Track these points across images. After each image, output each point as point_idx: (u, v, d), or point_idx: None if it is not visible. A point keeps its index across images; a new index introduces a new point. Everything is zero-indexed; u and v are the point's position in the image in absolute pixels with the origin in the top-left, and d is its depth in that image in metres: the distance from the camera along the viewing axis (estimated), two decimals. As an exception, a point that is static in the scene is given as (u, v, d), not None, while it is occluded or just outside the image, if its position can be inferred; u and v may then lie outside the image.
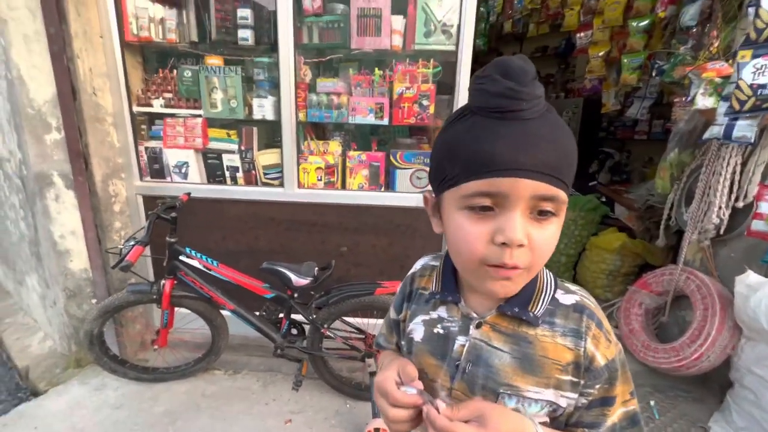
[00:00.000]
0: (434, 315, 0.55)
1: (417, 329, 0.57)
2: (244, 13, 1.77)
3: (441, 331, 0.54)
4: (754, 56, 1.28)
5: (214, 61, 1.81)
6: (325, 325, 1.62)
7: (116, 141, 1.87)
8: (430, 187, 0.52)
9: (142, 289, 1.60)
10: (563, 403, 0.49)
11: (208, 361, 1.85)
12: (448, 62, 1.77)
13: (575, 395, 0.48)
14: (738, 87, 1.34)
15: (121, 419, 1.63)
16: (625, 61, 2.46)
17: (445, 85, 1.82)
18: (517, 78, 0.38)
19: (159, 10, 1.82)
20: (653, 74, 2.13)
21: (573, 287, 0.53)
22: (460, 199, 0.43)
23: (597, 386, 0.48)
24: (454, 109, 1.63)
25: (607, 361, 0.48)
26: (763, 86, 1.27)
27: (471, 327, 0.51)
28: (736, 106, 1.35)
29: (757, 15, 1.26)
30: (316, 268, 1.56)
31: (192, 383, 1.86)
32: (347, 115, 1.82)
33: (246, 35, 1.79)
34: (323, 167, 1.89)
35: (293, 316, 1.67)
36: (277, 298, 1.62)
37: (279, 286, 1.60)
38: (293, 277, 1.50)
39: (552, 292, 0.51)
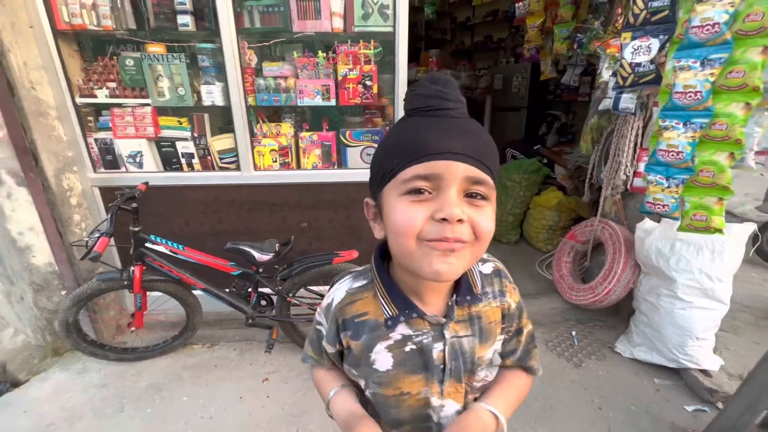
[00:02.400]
0: (397, 336, 0.56)
1: (381, 358, 0.56)
2: (182, -1, 1.76)
3: (414, 347, 0.55)
4: (633, 38, 1.49)
5: (155, 48, 1.81)
6: (291, 294, 1.80)
7: (63, 134, 1.86)
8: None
9: (112, 276, 1.69)
10: (499, 346, 0.62)
11: (185, 337, 2.00)
12: (387, 42, 1.88)
13: (504, 336, 0.63)
14: (621, 65, 1.56)
15: (108, 396, 1.77)
16: (557, 31, 2.64)
17: (387, 65, 1.93)
18: (444, 85, 0.47)
19: (89, -5, 1.77)
20: (575, 46, 2.33)
21: (484, 256, 0.61)
22: (400, 186, 0.46)
23: (514, 323, 0.63)
24: (396, 87, 1.76)
25: (516, 303, 0.63)
26: (639, 65, 1.50)
27: (445, 332, 0.55)
28: (620, 82, 1.58)
29: (634, 2, 1.46)
30: (277, 245, 1.72)
31: (172, 358, 2.01)
32: (295, 98, 1.90)
33: (186, 21, 1.79)
34: (277, 149, 1.99)
35: (260, 289, 1.83)
36: (244, 274, 1.77)
37: (244, 263, 1.74)
38: (256, 254, 1.65)
39: (477, 269, 0.60)
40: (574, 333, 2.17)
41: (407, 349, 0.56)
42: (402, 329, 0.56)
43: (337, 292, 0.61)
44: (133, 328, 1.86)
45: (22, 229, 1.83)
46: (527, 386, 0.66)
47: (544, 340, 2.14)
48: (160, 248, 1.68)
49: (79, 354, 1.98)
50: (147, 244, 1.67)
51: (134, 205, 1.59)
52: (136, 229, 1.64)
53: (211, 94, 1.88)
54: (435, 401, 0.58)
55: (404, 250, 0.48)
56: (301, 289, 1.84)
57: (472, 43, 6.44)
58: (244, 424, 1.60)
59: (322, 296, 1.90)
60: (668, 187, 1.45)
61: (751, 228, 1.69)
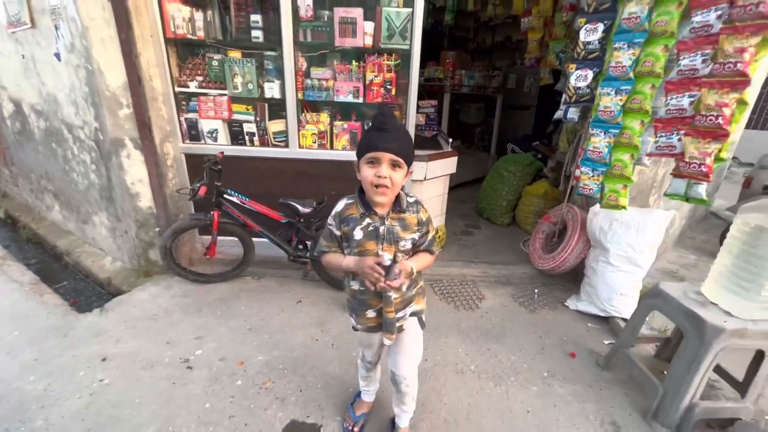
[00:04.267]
0: (364, 223, 1.14)
1: (357, 233, 1.15)
2: (256, 18, 2.41)
3: (371, 228, 1.14)
4: (576, 68, 2.02)
5: (234, 54, 2.47)
6: (322, 240, 2.47)
7: (165, 114, 2.57)
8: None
9: (200, 217, 2.40)
10: (416, 237, 1.21)
11: (241, 268, 2.71)
12: (405, 56, 2.47)
13: (418, 234, 1.21)
14: (567, 86, 2.09)
15: (189, 303, 2.51)
16: (551, 45, 3.14)
17: (404, 73, 2.52)
18: (384, 116, 1.07)
19: (188, 12, 2.43)
20: (557, 62, 2.83)
21: (411, 194, 1.23)
22: (364, 160, 1.07)
23: (423, 228, 1.22)
24: (409, 90, 2.38)
25: (426, 218, 1.23)
26: (579, 88, 2.03)
27: (385, 221, 1.14)
28: (567, 99, 2.12)
29: (577, 42, 1.99)
30: (315, 202, 2.38)
31: (231, 284, 2.73)
32: (333, 95, 2.53)
33: (258, 35, 2.44)
34: (317, 133, 2.64)
35: (300, 236, 2.51)
36: (289, 223, 2.45)
37: (290, 214, 2.42)
38: (300, 207, 2.32)
39: (405, 199, 1.19)
40: (536, 291, 2.77)
41: (369, 228, 1.15)
42: (367, 221, 1.15)
43: (339, 206, 1.22)
44: (207, 256, 2.57)
45: (134, 180, 2.55)
46: (430, 260, 1.25)
47: (512, 295, 2.74)
48: (234, 198, 2.37)
49: (164, 276, 2.73)
50: (225, 195, 2.36)
51: (219, 167, 2.28)
52: (219, 183, 2.33)
53: (272, 90, 2.53)
54: (380, 252, 1.16)
55: (366, 188, 1.11)
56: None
57: (492, 42, 6.85)
58: (285, 325, 2.30)
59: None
60: (593, 176, 2.02)
61: (669, 215, 2.23)
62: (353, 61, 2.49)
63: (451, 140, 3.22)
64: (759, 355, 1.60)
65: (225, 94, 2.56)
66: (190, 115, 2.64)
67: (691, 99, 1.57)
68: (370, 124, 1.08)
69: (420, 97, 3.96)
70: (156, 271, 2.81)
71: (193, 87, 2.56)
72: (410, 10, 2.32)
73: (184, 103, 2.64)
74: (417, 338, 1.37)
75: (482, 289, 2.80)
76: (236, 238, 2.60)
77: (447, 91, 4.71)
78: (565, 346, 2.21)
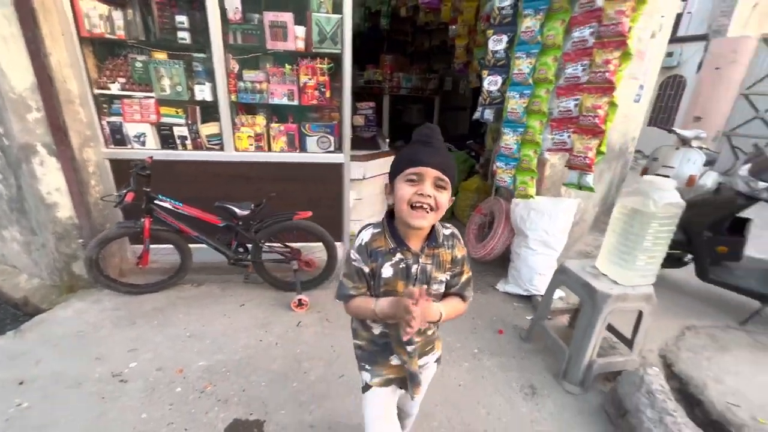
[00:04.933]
0: (395, 259, 0.95)
1: (386, 270, 0.95)
2: (182, 19, 2.36)
3: (403, 266, 0.96)
4: (488, 74, 2.27)
5: (160, 55, 2.39)
6: (262, 241, 2.48)
7: (83, 117, 2.41)
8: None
9: (129, 225, 2.30)
10: (447, 277, 1.02)
11: (179, 276, 2.63)
12: (337, 60, 2.56)
13: (450, 273, 1.02)
14: (482, 90, 2.34)
15: (121, 316, 2.38)
16: (475, 52, 3.41)
17: (338, 76, 2.61)
18: (431, 130, 0.92)
19: (105, 10, 2.31)
20: (479, 68, 3.11)
21: (447, 225, 1.04)
22: (403, 177, 0.89)
23: (458, 267, 1.03)
24: (343, 93, 2.46)
25: (462, 255, 1.03)
26: (491, 91, 2.29)
27: (420, 259, 0.96)
28: (483, 101, 2.37)
29: (487, 51, 2.24)
30: (253, 205, 2.39)
31: (168, 293, 2.63)
32: (267, 98, 2.55)
33: (184, 36, 2.39)
34: (253, 135, 2.63)
35: (239, 239, 2.49)
36: (227, 227, 2.43)
37: (228, 218, 2.40)
38: (237, 210, 2.32)
39: (442, 230, 1.01)
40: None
41: (400, 266, 0.96)
42: (398, 256, 0.96)
43: (364, 236, 0.99)
44: (140, 266, 2.46)
45: (51, 190, 2.37)
46: (462, 306, 1.07)
47: (450, 282, 2.95)
48: (165, 204, 2.30)
49: (91, 291, 2.56)
50: (155, 201, 2.28)
51: (148, 172, 2.20)
52: (148, 189, 2.25)
53: (203, 92, 2.49)
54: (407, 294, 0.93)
55: (401, 209, 0.90)
56: (275, 241, 2.52)
57: (430, 46, 7.18)
58: (228, 329, 2.29)
59: (286, 246, 2.60)
60: (507, 170, 2.27)
61: (575, 203, 2.55)
62: (286, 64, 2.53)
63: (388, 140, 3.37)
64: (639, 315, 1.92)
65: (152, 97, 2.47)
66: (114, 119, 2.50)
67: (576, 102, 1.86)
68: (413, 138, 0.94)
69: (360, 99, 4.09)
70: (81, 286, 2.63)
71: (115, 89, 2.44)
72: (340, 16, 2.41)
73: (105, 106, 2.50)
74: (427, 384, 1.24)
75: (422, 279, 2.98)
76: (171, 246, 2.51)
77: (386, 93, 4.88)
78: (494, 325, 2.44)
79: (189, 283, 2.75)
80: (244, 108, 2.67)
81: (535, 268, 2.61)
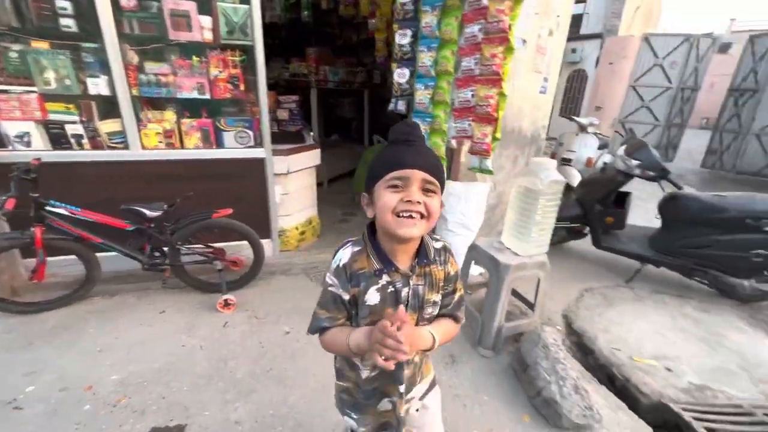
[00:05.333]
0: (382, 282, 0.81)
1: (371, 297, 0.81)
2: (64, 4, 2.12)
3: (392, 289, 0.82)
4: (398, 67, 2.40)
5: (40, 44, 2.14)
6: (179, 243, 2.36)
7: (-55, 116, 2.08)
8: (368, 192, 0.82)
9: (14, 236, 2.04)
10: (441, 296, 0.89)
11: (86, 289, 2.40)
12: (250, 52, 2.49)
13: (443, 292, 0.90)
14: (393, 83, 2.47)
15: (16, 337, 2.12)
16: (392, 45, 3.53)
17: (252, 69, 2.55)
18: (411, 127, 0.79)
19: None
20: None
21: (437, 237, 0.92)
22: (384, 183, 0.75)
23: (450, 285, 0.91)
24: (258, 86, 2.41)
25: (455, 272, 0.91)
26: (401, 84, 2.43)
27: (411, 281, 0.83)
28: (395, 93, 2.50)
29: (395, 45, 2.37)
30: (165, 205, 2.26)
31: (74, 308, 2.39)
32: (175, 92, 2.41)
33: (69, 23, 2.16)
34: (162, 132, 2.48)
35: (154, 243, 2.35)
36: (138, 230, 2.27)
37: (138, 221, 2.24)
38: (147, 212, 2.17)
39: (431, 245, 0.88)
40: (400, 263, 3.15)
41: (388, 290, 0.83)
42: (385, 278, 0.82)
43: (343, 255, 0.85)
44: (35, 281, 2.21)
45: None
46: (455, 329, 0.95)
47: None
48: (60, 210, 2.08)
49: (-24, 313, 2.24)
50: (47, 207, 2.06)
51: (33, 175, 1.97)
52: (36, 194, 2.01)
53: (97, 86, 2.28)
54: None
55: (386, 219, 0.76)
56: (197, 242, 2.41)
57: (358, 39, 7.21)
58: (146, 338, 2.15)
59: (208, 246, 2.51)
60: None
61: (487, 187, 2.79)
62: (194, 56, 2.41)
63: (312, 133, 3.36)
64: (538, 281, 2.18)
65: (34, 91, 2.20)
66: (-13, 117, 2.19)
67: (472, 92, 2.04)
68: (390, 138, 0.80)
69: (289, 92, 4.00)
70: (-38, 310, 2.29)
71: (-16, 83, 2.13)
72: (248, 6, 2.35)
73: (-26, 102, 2.18)
74: (439, 411, 1.10)
75: (354, 269, 3.05)
76: (74, 256, 2.29)
77: (313, 87, 4.84)
78: (420, 305, 2.59)
79: (100, 294, 2.53)
80: (149, 103, 2.49)
81: (456, 249, 2.79)
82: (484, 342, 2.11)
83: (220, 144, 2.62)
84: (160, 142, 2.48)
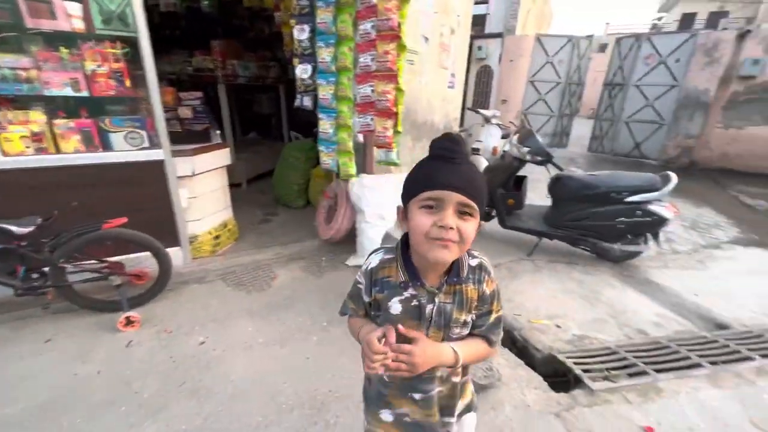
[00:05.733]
0: (407, 295, 0.81)
1: (394, 306, 0.82)
2: None
3: (415, 303, 0.81)
4: (299, 63, 2.41)
5: None
6: (63, 261, 2.08)
7: None
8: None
9: None
10: (473, 318, 0.85)
11: (-62, 326, 2.00)
12: (134, 45, 2.27)
13: (477, 312, 0.85)
14: (297, 79, 2.49)
15: None
16: (302, 41, 3.49)
17: (139, 63, 2.32)
18: (452, 142, 0.73)
19: None
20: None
21: (475, 253, 0.85)
22: (418, 202, 0.72)
23: (485, 306, 0.85)
24: (148, 82, 2.20)
25: (491, 292, 0.84)
26: (304, 79, 2.45)
27: (436, 298, 0.80)
28: (299, 89, 2.52)
29: (294, 40, 2.37)
30: (39, 219, 1.97)
31: (-77, 352, 1.99)
32: (41, 89, 2.10)
33: None
34: (29, 135, 2.15)
35: (29, 263, 2.04)
36: (5, 250, 1.95)
37: (4, 239, 1.92)
38: (14, 229, 1.88)
39: (467, 261, 0.82)
40: (323, 258, 3.16)
41: (412, 303, 0.82)
42: (410, 291, 0.81)
43: (372, 260, 0.88)
44: None
45: None
46: (486, 351, 0.89)
47: (303, 267, 3.04)
48: None
49: None
50: None
51: None
52: None
53: (-70, 82, 1.89)
54: None
55: (418, 241, 0.75)
56: (79, 259, 2.14)
57: (270, 32, 6.93)
58: (27, 373, 1.87)
59: (101, 260, 2.25)
60: (328, 153, 2.46)
61: (399, 179, 2.92)
62: (62, 47, 2.12)
63: (219, 132, 3.19)
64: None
65: None
66: None
67: (371, 88, 2.13)
68: (430, 152, 0.76)
69: (193, 88, 3.71)
70: None
71: None
72: (126, -7, 2.13)
73: None
74: None
75: (276, 269, 2.99)
76: None
77: (221, 82, 4.56)
78: (344, 296, 2.64)
79: (-40, 331, 2.13)
80: (8, 102, 2.14)
81: (375, 239, 2.90)
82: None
83: (107, 146, 2.36)
84: (27, 147, 2.15)
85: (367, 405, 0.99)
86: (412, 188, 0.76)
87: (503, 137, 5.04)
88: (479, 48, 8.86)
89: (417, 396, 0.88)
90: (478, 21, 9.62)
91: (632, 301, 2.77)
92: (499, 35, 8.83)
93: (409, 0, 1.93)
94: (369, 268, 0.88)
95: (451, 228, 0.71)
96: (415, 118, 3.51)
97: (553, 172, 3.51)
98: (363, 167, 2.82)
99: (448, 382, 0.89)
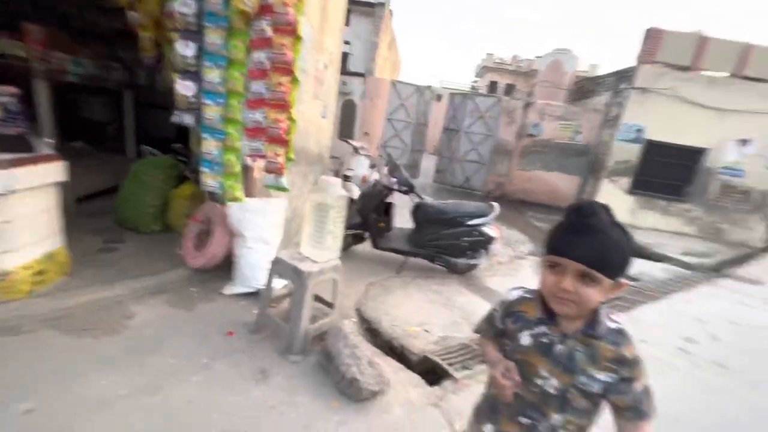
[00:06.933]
0: (538, 331, 0.91)
1: (524, 338, 0.92)
2: None
3: (545, 341, 0.90)
4: (182, 79, 2.29)
5: None
6: None
7: None
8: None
9: None
10: (609, 378, 0.84)
11: None
12: None
13: (613, 377, 0.84)
14: (177, 94, 2.35)
15: None
16: (166, 48, 3.18)
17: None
18: (585, 213, 0.79)
19: None
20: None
21: (616, 319, 0.89)
22: (546, 260, 0.85)
23: (624, 368, 0.84)
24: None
25: (633, 357, 0.84)
26: (188, 96, 2.34)
27: (567, 340, 0.87)
28: (179, 106, 2.37)
29: (176, 54, 2.26)
30: None
31: None
32: None
33: None
34: None
35: None
36: None
37: None
38: None
39: (607, 321, 0.87)
40: (194, 289, 2.85)
41: (542, 339, 0.90)
42: (542, 329, 0.91)
43: (513, 294, 1.00)
44: None
45: None
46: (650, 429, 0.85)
47: (168, 301, 2.67)
48: None
49: None
50: None
51: None
52: None
53: None
54: (544, 374, 0.90)
55: (544, 293, 0.87)
56: None
57: (112, 29, 5.86)
58: None
59: None
60: (213, 175, 2.35)
61: (283, 202, 2.95)
62: None
63: (48, 140, 2.56)
64: (335, 282, 2.51)
65: None
66: None
67: (263, 115, 2.18)
68: (565, 216, 0.84)
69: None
70: None
71: None
72: None
73: None
74: None
75: (132, 306, 2.53)
76: None
77: (39, 77, 3.63)
78: (224, 329, 2.45)
79: None
80: None
81: (257, 264, 2.81)
82: (293, 349, 2.24)
83: None
84: None
85: (476, 418, 1.08)
86: (545, 246, 0.86)
87: (371, 167, 5.61)
88: (344, 83, 9.58)
89: (524, 421, 0.94)
90: (342, 58, 10.44)
91: (477, 305, 3.49)
92: (361, 74, 9.79)
93: (302, 39, 2.08)
94: (507, 300, 1.00)
95: (570, 291, 0.80)
96: (293, 144, 3.61)
97: (415, 200, 4.13)
98: (244, 191, 2.73)
99: (576, 423, 0.90)
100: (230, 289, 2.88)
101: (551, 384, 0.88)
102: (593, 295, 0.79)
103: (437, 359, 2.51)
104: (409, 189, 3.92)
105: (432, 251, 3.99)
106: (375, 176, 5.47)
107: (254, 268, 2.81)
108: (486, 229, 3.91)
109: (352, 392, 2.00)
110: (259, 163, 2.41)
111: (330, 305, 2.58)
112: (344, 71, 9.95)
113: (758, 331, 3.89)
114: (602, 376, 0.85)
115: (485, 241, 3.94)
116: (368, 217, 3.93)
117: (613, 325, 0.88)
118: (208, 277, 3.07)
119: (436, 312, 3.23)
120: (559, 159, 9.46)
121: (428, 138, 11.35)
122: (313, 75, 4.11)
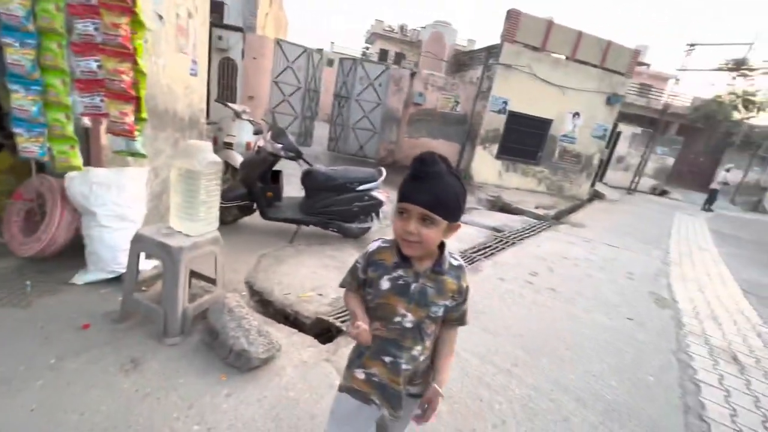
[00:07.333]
0: (395, 274, 1.01)
1: (384, 283, 1.02)
2: None
3: (402, 282, 1.01)
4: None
5: None
6: None
7: None
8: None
9: None
10: (449, 303, 1.04)
11: None
12: None
13: (453, 302, 1.05)
14: None
15: None
16: None
17: None
18: (424, 163, 0.91)
19: None
20: None
21: (456, 256, 1.08)
22: (396, 208, 0.95)
23: (461, 296, 1.07)
24: None
25: (467, 287, 1.07)
26: None
27: (420, 278, 1.01)
28: None
29: None
30: None
31: None
32: None
33: None
34: None
35: None
36: None
37: None
38: None
39: (449, 260, 1.04)
40: (28, 283, 2.32)
41: (399, 282, 1.01)
42: (399, 272, 1.01)
43: (372, 246, 1.09)
44: None
45: None
46: (456, 335, 1.13)
47: (-10, 300, 2.13)
48: None
49: None
50: None
51: None
52: None
53: None
54: (402, 311, 1.02)
55: (395, 237, 1.01)
56: None
57: None
58: None
59: None
60: (32, 138, 1.88)
61: (144, 171, 2.55)
62: None
63: None
64: (215, 257, 2.34)
65: None
66: None
67: (98, 63, 1.78)
68: (410, 168, 0.94)
69: None
70: None
71: None
72: None
73: None
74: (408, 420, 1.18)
75: (-72, 313, 1.94)
76: None
77: None
78: (76, 323, 2.08)
79: None
80: None
81: (117, 246, 2.42)
82: (169, 331, 2.05)
83: None
84: None
85: (348, 366, 1.15)
86: (397, 196, 0.97)
87: (255, 133, 5.21)
88: (219, 38, 8.46)
89: (387, 359, 1.05)
90: (216, 8, 9.09)
91: (367, 264, 3.68)
92: (240, 29, 8.75)
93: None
94: (368, 251, 1.09)
95: (413, 233, 0.93)
96: (155, 105, 3.07)
97: (304, 167, 4.03)
98: (88, 159, 2.25)
99: (415, 360, 1.06)
100: (82, 278, 2.43)
101: (409, 319, 1.01)
102: (433, 235, 0.93)
103: (330, 318, 2.60)
104: (296, 155, 3.79)
105: (324, 218, 4.00)
106: (260, 143, 5.12)
107: (113, 250, 2.41)
108: (376, 194, 4.07)
109: (241, 363, 1.95)
110: (103, 124, 1.98)
111: (212, 281, 2.41)
112: (219, 24, 8.75)
113: (579, 261, 5.06)
114: (447, 302, 1.04)
115: (376, 205, 4.11)
116: (254, 187, 3.70)
117: (455, 262, 1.06)
118: (50, 266, 2.52)
119: (330, 276, 3.30)
120: (442, 127, 10.28)
121: (321, 105, 10.98)
122: (175, 23, 3.53)
